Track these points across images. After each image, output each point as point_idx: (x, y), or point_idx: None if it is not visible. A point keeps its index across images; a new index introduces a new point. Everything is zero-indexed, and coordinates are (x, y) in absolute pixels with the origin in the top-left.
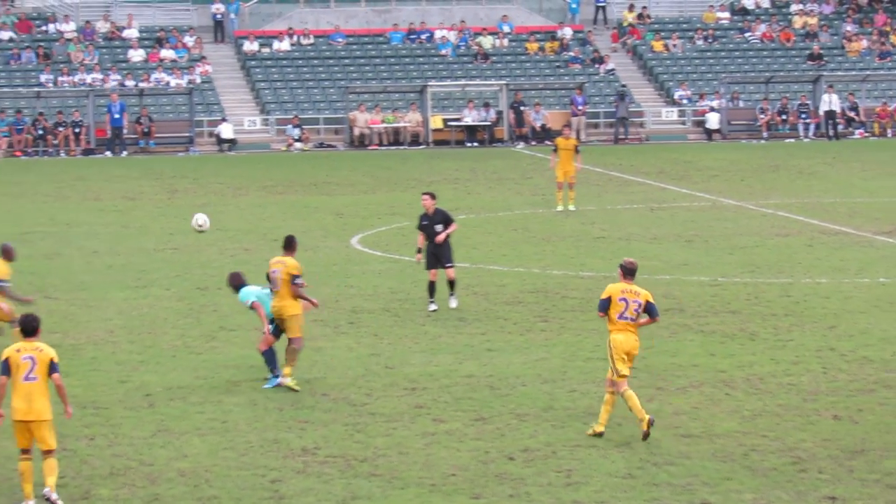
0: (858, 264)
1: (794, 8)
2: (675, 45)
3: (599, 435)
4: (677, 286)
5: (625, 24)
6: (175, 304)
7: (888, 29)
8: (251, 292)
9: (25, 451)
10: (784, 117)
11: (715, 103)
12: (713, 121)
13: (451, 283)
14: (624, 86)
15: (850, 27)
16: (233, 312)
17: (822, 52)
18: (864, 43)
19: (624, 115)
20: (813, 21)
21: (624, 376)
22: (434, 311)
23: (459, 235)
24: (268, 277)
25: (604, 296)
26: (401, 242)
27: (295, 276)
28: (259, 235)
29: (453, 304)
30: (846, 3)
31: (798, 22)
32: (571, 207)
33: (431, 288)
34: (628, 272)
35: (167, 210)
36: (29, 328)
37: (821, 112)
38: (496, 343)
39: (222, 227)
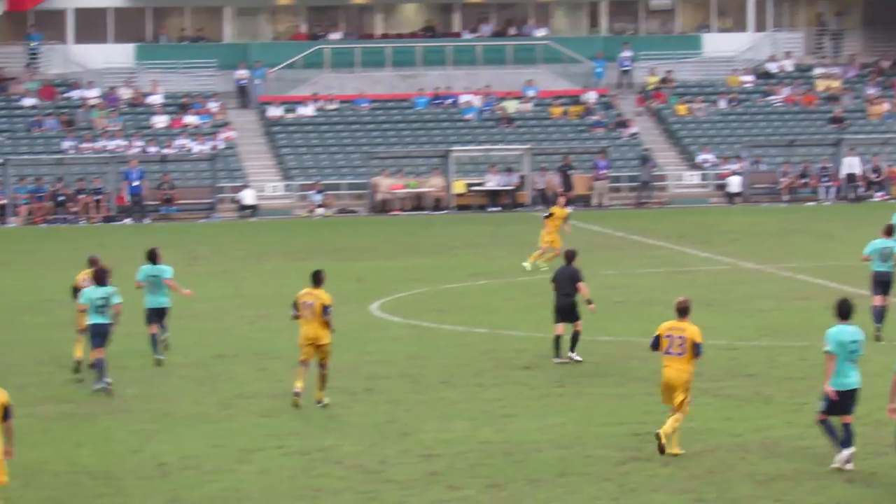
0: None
1: (817, 72)
2: (698, 109)
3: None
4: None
5: (649, 87)
6: (192, 371)
7: None
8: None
9: None
10: (805, 180)
11: (737, 166)
12: (735, 184)
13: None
14: (647, 149)
15: (872, 90)
16: (249, 380)
17: (844, 115)
18: (886, 106)
19: (646, 178)
20: (836, 84)
21: (672, 408)
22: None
23: (479, 301)
24: (295, 306)
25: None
26: (420, 308)
27: (326, 307)
28: (279, 302)
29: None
30: (869, 66)
31: (821, 85)
32: (528, 265)
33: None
34: (679, 311)
35: (186, 277)
36: None
37: (842, 175)
38: (513, 408)
39: (241, 294)
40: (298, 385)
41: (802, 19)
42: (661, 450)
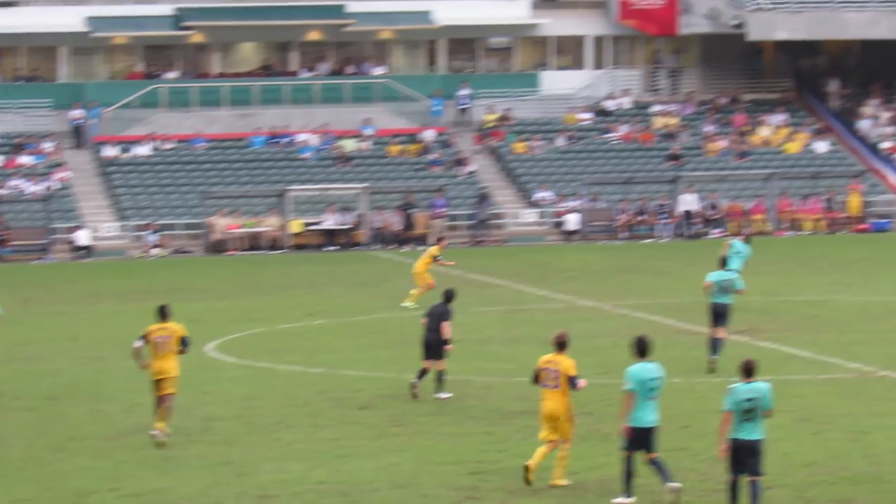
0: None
1: (654, 109)
2: (536, 147)
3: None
4: (534, 389)
5: (487, 125)
6: (24, 414)
7: (748, 129)
8: None
9: None
10: (643, 217)
11: (574, 204)
12: (572, 222)
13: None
14: (485, 187)
15: (709, 127)
16: (83, 422)
17: (681, 152)
18: (724, 143)
19: (484, 217)
20: (673, 122)
21: (547, 439)
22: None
23: (316, 340)
24: (143, 339)
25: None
26: (257, 348)
27: (184, 339)
28: (113, 344)
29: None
30: (706, 103)
31: (658, 123)
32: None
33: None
34: (556, 346)
35: (19, 319)
36: None
37: (679, 212)
38: (349, 448)
39: (75, 336)
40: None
41: (640, 57)
42: (528, 481)
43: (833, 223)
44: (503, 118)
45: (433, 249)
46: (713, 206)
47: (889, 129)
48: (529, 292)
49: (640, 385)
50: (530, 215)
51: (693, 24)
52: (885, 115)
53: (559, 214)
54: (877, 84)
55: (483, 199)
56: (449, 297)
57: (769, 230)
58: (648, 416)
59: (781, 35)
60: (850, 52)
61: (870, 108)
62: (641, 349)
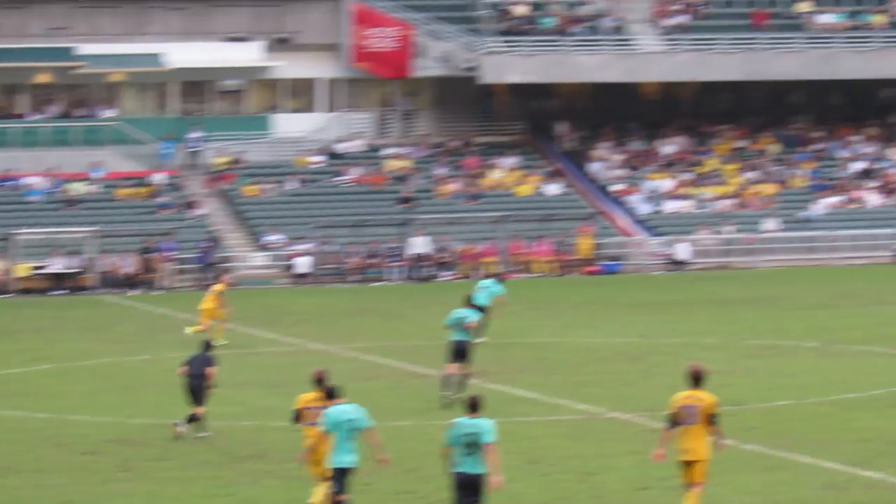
0: (441, 406)
1: (386, 152)
2: (267, 190)
3: None
4: (261, 432)
5: (217, 168)
6: None
7: (479, 171)
8: None
9: None
10: (374, 260)
11: (305, 247)
12: (303, 265)
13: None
14: (215, 230)
15: (441, 170)
16: None
17: (413, 194)
18: (455, 186)
19: (213, 260)
20: (405, 164)
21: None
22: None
23: (42, 385)
24: None
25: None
26: None
27: None
28: None
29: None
30: (438, 146)
31: (390, 165)
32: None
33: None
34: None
35: None
36: None
37: (410, 255)
38: (75, 494)
39: None
40: None
41: (372, 100)
42: None
43: (564, 265)
44: (234, 161)
45: (218, 287)
46: (444, 249)
47: (620, 172)
48: (259, 336)
49: (336, 427)
50: (261, 258)
51: (426, 67)
52: (616, 158)
53: (290, 257)
54: (608, 127)
55: (211, 242)
56: (208, 345)
57: (501, 272)
58: (346, 457)
59: (514, 78)
60: (582, 95)
61: (601, 150)
62: (330, 394)
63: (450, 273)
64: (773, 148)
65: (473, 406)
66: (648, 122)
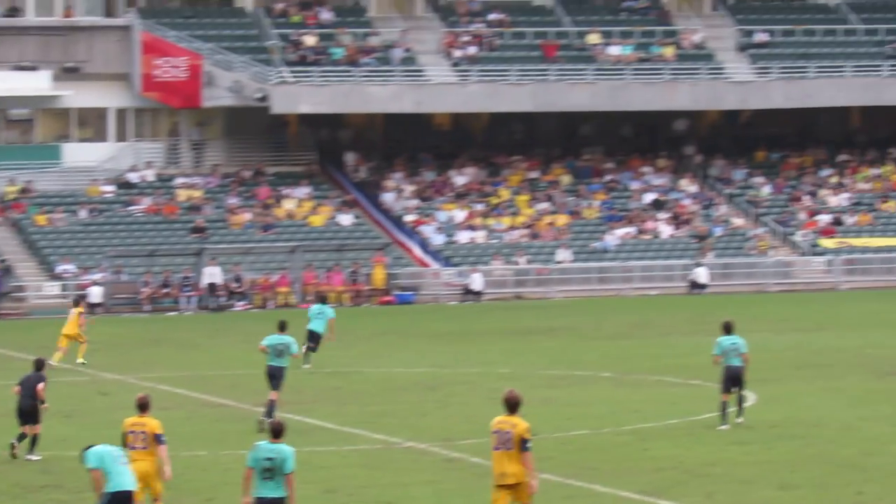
0: (237, 436)
1: (178, 181)
2: (59, 219)
3: None
4: (56, 462)
5: (7, 198)
6: None
7: (272, 201)
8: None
9: None
10: (167, 290)
11: (97, 277)
12: (95, 294)
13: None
14: (4, 260)
15: (233, 200)
16: None
17: (205, 224)
18: (248, 215)
19: (5, 290)
20: (198, 194)
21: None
22: None
23: None
24: None
25: None
26: None
27: None
28: None
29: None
30: (230, 176)
31: (182, 195)
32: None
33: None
34: (139, 408)
35: None
36: None
37: (203, 284)
38: None
39: None
40: None
41: (163, 129)
42: None
43: (358, 295)
44: (24, 190)
45: (78, 309)
46: (237, 279)
47: (413, 203)
48: (53, 365)
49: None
50: (53, 288)
51: (217, 97)
52: (409, 189)
53: (82, 287)
54: (401, 157)
55: (3, 272)
56: (40, 365)
57: (294, 302)
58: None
59: (305, 109)
60: (374, 126)
61: (394, 181)
62: (276, 431)
63: (244, 303)
64: (565, 179)
65: (276, 432)
66: (440, 152)
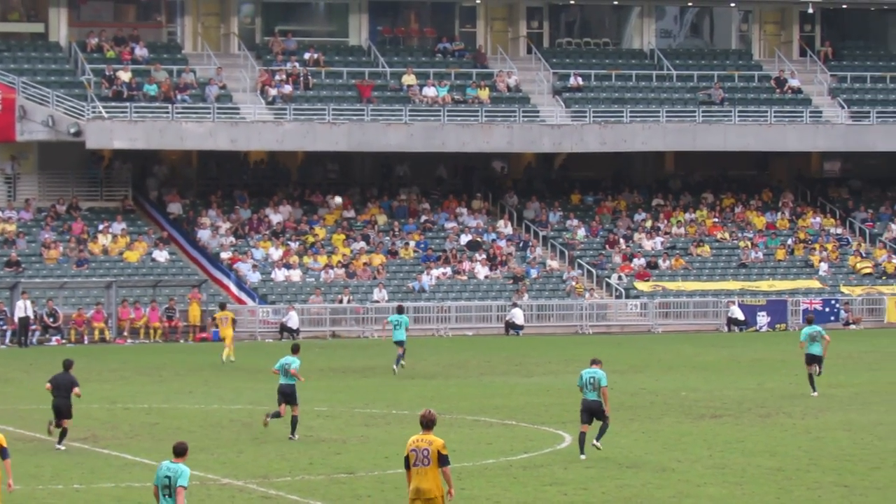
0: (52, 470)
1: None
2: None
3: None
4: None
5: None
6: None
7: (86, 237)
8: None
9: None
10: None
11: None
12: None
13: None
14: None
15: (48, 234)
16: None
17: (19, 258)
18: (61, 249)
19: None
20: (11, 228)
21: None
22: None
23: None
24: None
25: None
26: None
27: None
28: None
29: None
30: (44, 210)
31: None
32: None
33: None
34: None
35: None
36: None
37: (16, 319)
38: None
39: None
40: None
41: None
42: None
43: (173, 332)
44: None
45: None
46: (52, 314)
47: (228, 240)
48: None
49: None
50: None
51: (31, 130)
52: (224, 226)
53: None
54: (216, 195)
55: None
56: (68, 365)
57: (110, 338)
58: None
59: (119, 144)
60: (189, 163)
61: (209, 218)
62: (178, 450)
63: (57, 338)
64: (381, 218)
65: (177, 451)
66: (256, 190)
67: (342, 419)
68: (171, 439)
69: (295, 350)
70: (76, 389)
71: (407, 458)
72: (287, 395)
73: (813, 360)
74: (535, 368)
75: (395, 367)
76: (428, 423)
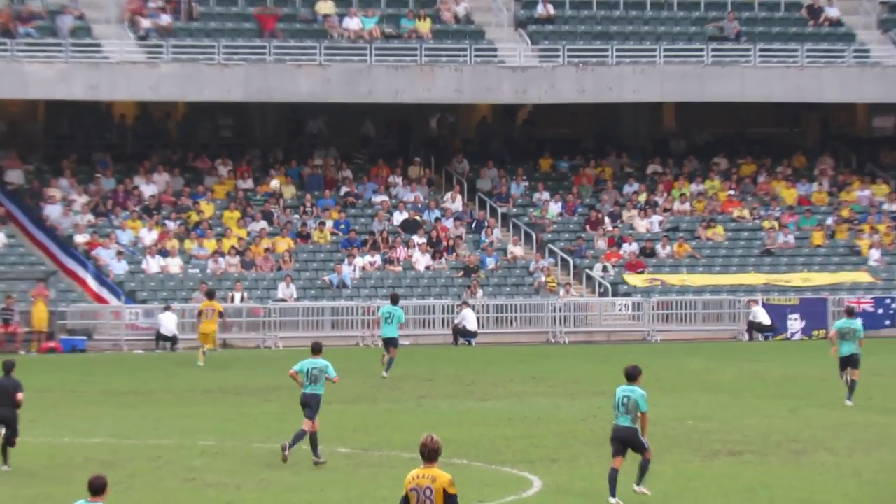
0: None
1: None
2: None
3: None
4: None
5: None
6: None
7: None
8: None
9: None
10: None
11: None
12: None
13: None
14: None
15: None
16: None
17: None
18: None
19: None
20: None
21: None
22: None
23: None
24: None
25: None
26: None
27: None
28: None
29: None
30: None
31: None
32: None
33: None
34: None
35: None
36: None
37: None
38: None
39: None
40: None
41: None
42: None
43: (10, 340)
44: None
45: None
46: None
47: (86, 219)
48: None
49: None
50: None
51: None
52: (80, 200)
53: None
54: (69, 159)
55: None
56: (9, 368)
57: None
58: None
59: None
60: (34, 117)
61: (60, 190)
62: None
63: None
64: (288, 191)
65: (94, 489)
66: (122, 153)
67: (235, 457)
68: (7, 485)
69: (317, 350)
70: (19, 395)
71: (406, 500)
72: (312, 408)
73: (846, 362)
74: (493, 389)
75: (384, 372)
76: (430, 454)
